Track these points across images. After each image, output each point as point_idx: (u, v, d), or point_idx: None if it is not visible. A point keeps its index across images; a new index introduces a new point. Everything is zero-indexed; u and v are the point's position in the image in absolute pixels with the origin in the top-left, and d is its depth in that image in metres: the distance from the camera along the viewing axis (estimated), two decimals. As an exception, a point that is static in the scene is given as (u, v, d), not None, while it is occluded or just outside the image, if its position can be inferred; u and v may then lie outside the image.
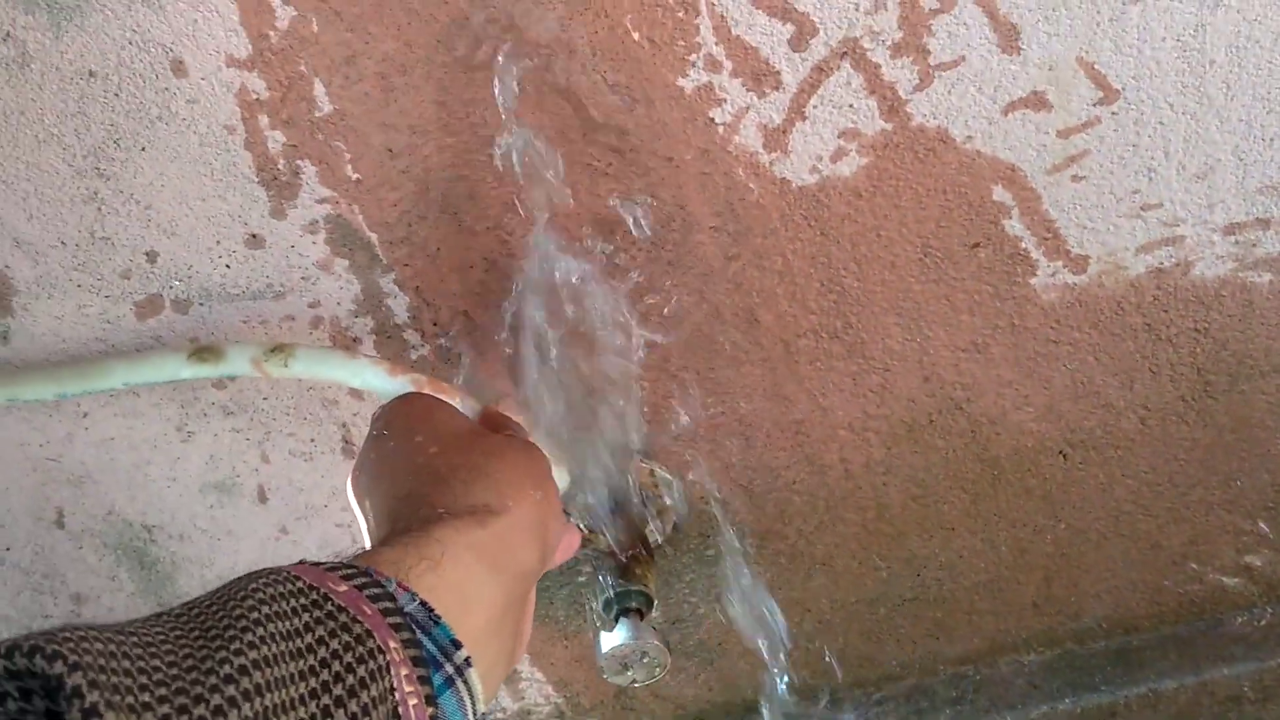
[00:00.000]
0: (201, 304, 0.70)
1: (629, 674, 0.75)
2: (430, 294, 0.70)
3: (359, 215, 0.66)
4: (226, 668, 0.34)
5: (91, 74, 0.61)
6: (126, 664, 0.32)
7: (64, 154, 0.63)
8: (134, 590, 0.86)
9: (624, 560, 0.75)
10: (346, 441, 0.78)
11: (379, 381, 0.66)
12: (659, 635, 0.74)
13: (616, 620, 0.74)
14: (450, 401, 0.62)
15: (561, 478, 0.69)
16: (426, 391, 0.64)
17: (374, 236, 0.67)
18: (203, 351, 0.68)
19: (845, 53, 0.61)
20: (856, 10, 0.60)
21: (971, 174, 0.66)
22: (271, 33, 0.59)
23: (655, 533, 0.81)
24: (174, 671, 0.33)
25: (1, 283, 0.68)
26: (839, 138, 0.64)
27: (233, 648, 0.34)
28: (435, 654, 0.40)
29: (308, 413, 0.76)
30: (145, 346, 0.71)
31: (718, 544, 0.85)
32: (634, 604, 0.75)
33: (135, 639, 0.34)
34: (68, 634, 0.31)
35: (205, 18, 0.59)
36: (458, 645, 0.42)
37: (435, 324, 0.71)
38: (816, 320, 0.73)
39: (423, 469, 0.53)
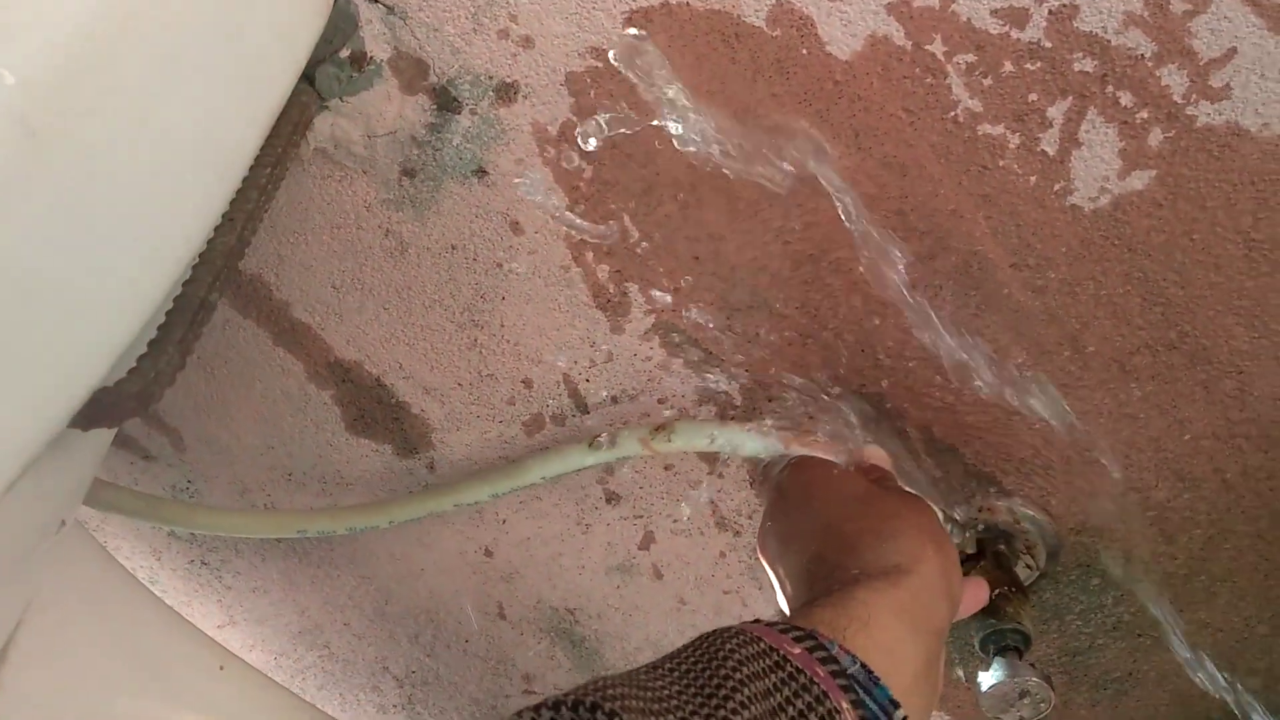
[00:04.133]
0: (573, 416, 0.81)
1: (1014, 712, 0.76)
2: (757, 372, 0.77)
3: (682, 318, 0.75)
4: None
5: (453, 247, 0.74)
6: (644, 704, 0.40)
7: (445, 314, 0.78)
8: (570, 666, 0.99)
9: (992, 599, 0.76)
10: (716, 514, 0.86)
11: (752, 442, 0.73)
12: (1038, 672, 0.74)
13: (993, 659, 0.75)
14: (820, 453, 0.66)
15: None
16: (795, 447, 0.69)
17: (698, 334, 0.75)
18: (598, 440, 0.78)
19: (1105, 74, 0.61)
20: (1105, 33, 0.60)
21: (1278, 160, 0.63)
22: (580, 183, 0.70)
23: (1026, 569, 0.81)
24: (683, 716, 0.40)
25: (422, 423, 0.84)
26: (1120, 156, 0.64)
27: (729, 705, 0.41)
28: (878, 713, 0.45)
29: (678, 494, 0.85)
30: (535, 458, 0.84)
31: (1101, 573, 0.83)
32: (1008, 642, 0.75)
33: (650, 692, 0.42)
34: (604, 686, 0.41)
35: (527, 184, 0.70)
36: (895, 705, 0.45)
37: (769, 400, 0.78)
38: (1147, 335, 0.71)
39: (828, 533, 0.57)
